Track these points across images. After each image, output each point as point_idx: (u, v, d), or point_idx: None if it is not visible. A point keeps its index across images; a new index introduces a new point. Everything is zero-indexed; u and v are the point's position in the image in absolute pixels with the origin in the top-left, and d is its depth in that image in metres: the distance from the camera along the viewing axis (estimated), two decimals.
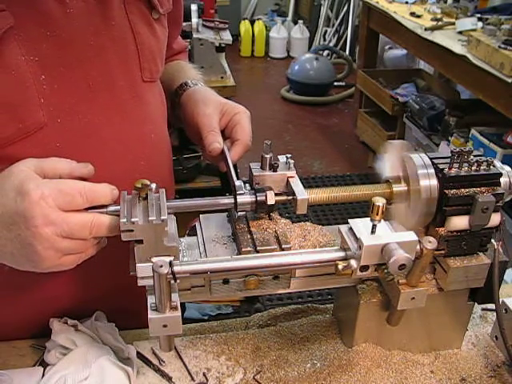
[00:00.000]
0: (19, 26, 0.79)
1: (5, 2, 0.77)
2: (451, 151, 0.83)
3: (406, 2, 3.71)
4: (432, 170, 0.83)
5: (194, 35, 2.46)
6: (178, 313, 0.72)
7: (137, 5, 0.93)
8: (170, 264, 0.70)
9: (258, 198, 0.84)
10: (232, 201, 0.85)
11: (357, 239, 0.76)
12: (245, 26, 6.49)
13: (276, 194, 0.87)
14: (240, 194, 0.84)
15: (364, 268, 0.77)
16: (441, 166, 0.83)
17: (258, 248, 0.82)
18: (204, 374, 0.92)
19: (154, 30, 0.97)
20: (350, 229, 0.79)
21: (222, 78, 2.57)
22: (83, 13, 0.85)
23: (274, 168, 0.88)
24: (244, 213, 0.88)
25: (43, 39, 0.82)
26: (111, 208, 0.79)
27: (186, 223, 0.95)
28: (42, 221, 0.72)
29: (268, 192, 0.84)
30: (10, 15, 0.77)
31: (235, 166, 0.93)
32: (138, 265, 0.77)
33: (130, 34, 0.92)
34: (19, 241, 0.74)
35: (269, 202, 0.83)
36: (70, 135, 0.87)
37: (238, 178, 0.87)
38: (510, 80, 2.47)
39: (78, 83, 0.87)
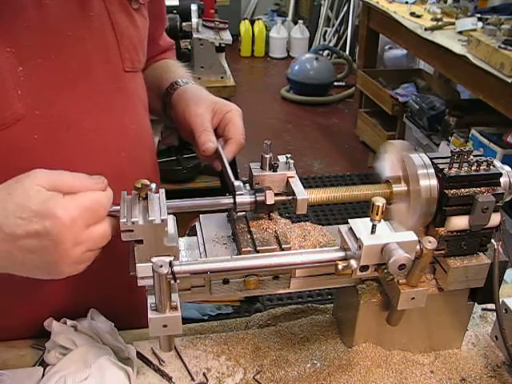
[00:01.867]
0: None
1: None
2: (451, 151, 0.83)
3: (406, 2, 3.71)
4: (432, 170, 0.83)
5: (194, 35, 2.46)
6: (178, 313, 0.72)
7: None
8: (170, 264, 0.70)
9: (258, 198, 0.83)
10: (232, 201, 0.84)
11: (357, 239, 0.76)
12: (245, 26, 6.49)
13: (276, 194, 0.87)
14: (239, 194, 0.83)
15: (364, 268, 0.77)
16: (441, 166, 0.83)
17: (257, 248, 0.82)
18: (204, 374, 0.92)
19: (133, 20, 0.96)
20: (350, 229, 0.79)
21: (221, 78, 2.57)
22: (60, 4, 0.84)
23: (274, 168, 0.88)
24: (244, 213, 0.88)
25: (20, 31, 0.81)
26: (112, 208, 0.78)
27: (186, 223, 0.95)
28: (71, 243, 0.71)
29: (267, 192, 0.84)
30: None
31: (234, 166, 0.93)
32: (137, 265, 0.77)
33: (108, 25, 0.91)
34: (42, 261, 0.72)
35: (268, 202, 0.83)
36: (48, 127, 0.86)
37: (236, 178, 0.87)
38: (510, 80, 2.47)
39: (56, 74, 0.86)
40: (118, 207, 0.77)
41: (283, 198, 0.86)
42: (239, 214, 0.87)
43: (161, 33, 1.21)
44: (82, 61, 0.88)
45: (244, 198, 0.84)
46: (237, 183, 0.85)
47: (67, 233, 0.70)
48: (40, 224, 0.69)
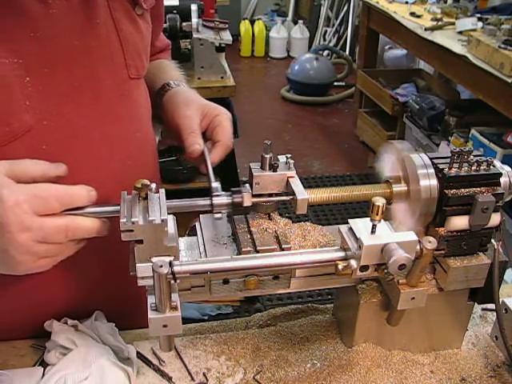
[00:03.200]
0: (1, 28, 0.77)
1: None
2: (451, 151, 0.83)
3: (406, 2, 3.71)
4: (432, 170, 0.83)
5: (194, 35, 2.46)
6: (178, 313, 0.72)
7: (121, 1, 0.92)
8: (170, 264, 0.70)
9: (235, 200, 0.83)
10: (209, 202, 0.84)
11: (357, 239, 0.76)
12: (245, 26, 6.49)
13: (276, 194, 0.87)
14: (216, 196, 0.83)
15: (364, 268, 0.77)
16: (441, 166, 0.83)
17: (258, 248, 0.82)
18: (204, 374, 0.92)
19: (138, 27, 0.96)
20: (350, 229, 0.79)
21: (222, 78, 2.57)
22: (66, 12, 0.84)
23: (273, 168, 0.88)
24: (242, 212, 0.88)
25: (26, 41, 0.80)
26: (89, 209, 0.78)
27: (186, 223, 0.95)
28: (17, 227, 0.71)
29: (245, 194, 0.83)
30: None
31: (234, 166, 0.93)
32: (137, 265, 0.77)
33: (114, 32, 0.91)
34: None
35: (245, 204, 0.83)
36: (56, 137, 0.86)
37: (236, 178, 0.87)
38: (510, 80, 2.47)
39: (62, 84, 0.85)
40: (97, 209, 0.78)
41: (283, 198, 0.87)
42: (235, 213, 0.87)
43: (158, 33, 1.20)
44: (87, 69, 0.88)
45: (221, 199, 0.83)
46: (215, 185, 0.85)
47: (10, 215, 0.70)
48: None
